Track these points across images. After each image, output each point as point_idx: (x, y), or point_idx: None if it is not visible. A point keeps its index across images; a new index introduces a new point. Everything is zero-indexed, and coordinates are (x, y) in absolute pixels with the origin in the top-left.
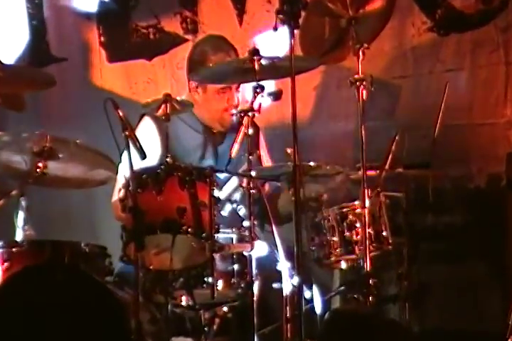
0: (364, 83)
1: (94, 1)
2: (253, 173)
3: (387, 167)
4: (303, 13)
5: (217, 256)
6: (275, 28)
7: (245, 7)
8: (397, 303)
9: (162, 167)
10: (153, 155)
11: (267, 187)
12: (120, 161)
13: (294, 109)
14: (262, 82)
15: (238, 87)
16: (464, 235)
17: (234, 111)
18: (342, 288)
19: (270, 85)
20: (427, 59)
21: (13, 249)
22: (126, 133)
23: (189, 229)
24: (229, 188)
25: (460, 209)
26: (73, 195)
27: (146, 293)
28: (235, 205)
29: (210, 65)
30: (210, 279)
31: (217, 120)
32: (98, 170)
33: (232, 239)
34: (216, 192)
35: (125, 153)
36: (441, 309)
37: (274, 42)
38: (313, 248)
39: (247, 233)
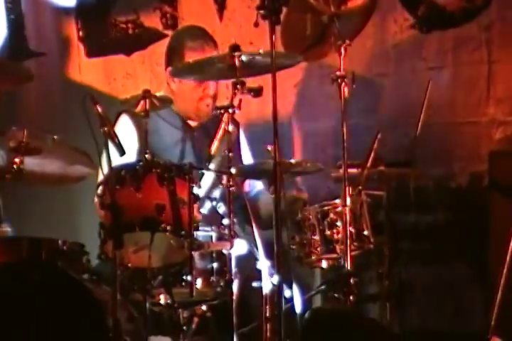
0: (346, 80)
1: None
2: (233, 170)
3: (368, 165)
4: (284, 9)
5: (196, 254)
6: (256, 24)
7: (226, 2)
8: (378, 303)
9: (141, 163)
10: (132, 152)
11: (246, 185)
12: (99, 157)
13: (274, 106)
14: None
15: None
16: (446, 234)
17: (209, 100)
18: (322, 287)
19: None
20: (409, 56)
21: None
22: (105, 129)
23: (168, 227)
24: (207, 183)
25: (442, 209)
26: (53, 192)
27: (124, 291)
28: (214, 203)
29: (190, 60)
30: (188, 277)
31: (192, 110)
32: (76, 166)
33: (211, 236)
34: (196, 190)
35: (104, 149)
36: (422, 309)
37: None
38: (294, 246)
39: (226, 231)
